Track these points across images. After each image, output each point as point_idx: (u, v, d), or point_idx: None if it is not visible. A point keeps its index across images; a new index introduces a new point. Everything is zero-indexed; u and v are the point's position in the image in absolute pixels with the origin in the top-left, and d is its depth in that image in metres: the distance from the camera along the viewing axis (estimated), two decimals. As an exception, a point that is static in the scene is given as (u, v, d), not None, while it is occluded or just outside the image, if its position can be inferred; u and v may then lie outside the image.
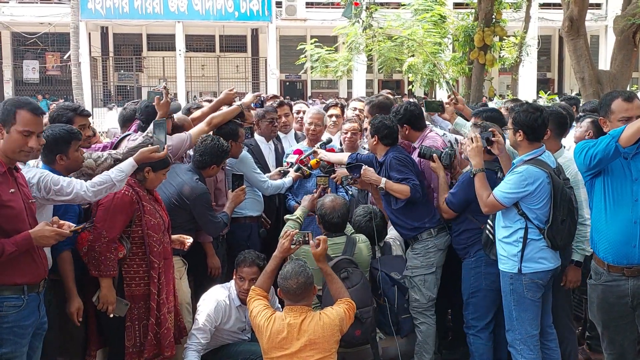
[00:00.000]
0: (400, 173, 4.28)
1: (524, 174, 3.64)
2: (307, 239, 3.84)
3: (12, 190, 3.02)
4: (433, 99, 4.72)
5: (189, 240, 4.09)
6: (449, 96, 5.19)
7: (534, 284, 3.73)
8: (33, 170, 3.31)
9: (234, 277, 4.19)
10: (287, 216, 4.50)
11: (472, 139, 3.92)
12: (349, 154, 4.88)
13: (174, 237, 4.03)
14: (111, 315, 3.65)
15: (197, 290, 4.44)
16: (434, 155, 4.33)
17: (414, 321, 4.35)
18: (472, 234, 4.17)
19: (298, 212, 4.49)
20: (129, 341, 3.75)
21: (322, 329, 3.49)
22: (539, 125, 3.71)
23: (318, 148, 5.08)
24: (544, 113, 3.74)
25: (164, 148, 3.69)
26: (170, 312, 3.89)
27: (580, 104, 7.22)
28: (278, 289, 3.69)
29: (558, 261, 3.83)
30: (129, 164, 3.53)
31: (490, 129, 3.92)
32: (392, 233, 4.71)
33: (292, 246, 3.84)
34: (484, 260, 4.09)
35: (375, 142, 4.45)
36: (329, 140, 5.24)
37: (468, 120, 4.72)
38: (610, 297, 3.49)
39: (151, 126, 3.99)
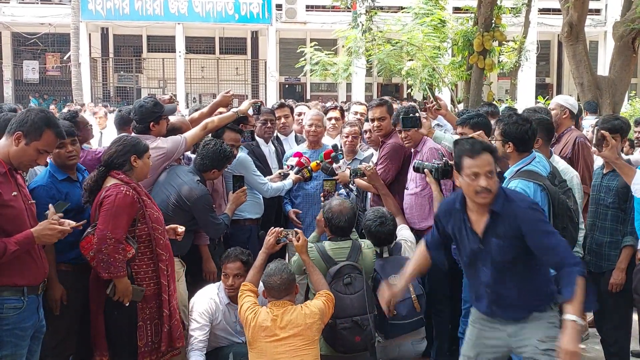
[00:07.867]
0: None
1: (519, 187, 3.52)
2: (290, 236, 4.06)
3: (15, 193, 3.03)
4: (410, 115, 4.50)
5: (180, 228, 4.03)
6: (430, 101, 4.97)
7: None
8: None
9: (222, 275, 4.22)
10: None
11: None
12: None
13: (167, 227, 3.95)
14: (127, 305, 3.65)
15: (194, 292, 4.39)
16: (426, 170, 4.33)
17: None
18: None
19: (310, 238, 4.43)
20: (141, 341, 3.72)
21: (304, 317, 3.71)
22: (529, 137, 3.68)
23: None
24: (533, 123, 3.71)
25: None
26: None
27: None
28: (263, 290, 3.86)
29: None
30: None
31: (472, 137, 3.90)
32: (404, 234, 4.61)
33: (277, 244, 4.08)
34: None
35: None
36: (335, 147, 5.13)
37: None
38: None
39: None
